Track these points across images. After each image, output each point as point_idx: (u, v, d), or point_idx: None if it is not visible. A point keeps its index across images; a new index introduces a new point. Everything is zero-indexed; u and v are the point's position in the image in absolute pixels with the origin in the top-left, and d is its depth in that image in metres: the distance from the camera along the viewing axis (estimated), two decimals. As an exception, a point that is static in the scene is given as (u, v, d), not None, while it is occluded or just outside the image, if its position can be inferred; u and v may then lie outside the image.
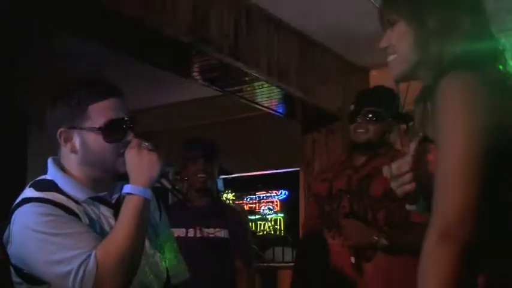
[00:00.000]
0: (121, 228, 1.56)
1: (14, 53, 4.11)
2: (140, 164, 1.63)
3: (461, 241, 1.21)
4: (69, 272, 1.49)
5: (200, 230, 3.15)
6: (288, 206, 6.67)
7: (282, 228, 6.74)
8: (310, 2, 3.85)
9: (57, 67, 4.20)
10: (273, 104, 4.54)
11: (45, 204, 1.56)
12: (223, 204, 3.66)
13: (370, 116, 2.66)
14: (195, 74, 3.85)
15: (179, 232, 3.07)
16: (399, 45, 1.48)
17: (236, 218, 3.38)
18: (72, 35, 3.35)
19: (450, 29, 1.41)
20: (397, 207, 2.50)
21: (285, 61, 4.19)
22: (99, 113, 1.65)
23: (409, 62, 1.47)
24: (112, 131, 1.65)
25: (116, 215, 1.66)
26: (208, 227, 3.16)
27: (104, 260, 1.50)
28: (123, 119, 1.67)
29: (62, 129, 1.66)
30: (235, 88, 4.17)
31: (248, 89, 4.17)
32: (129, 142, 1.67)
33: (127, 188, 1.62)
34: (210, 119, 6.17)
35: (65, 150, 1.69)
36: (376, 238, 2.48)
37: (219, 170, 3.42)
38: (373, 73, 5.14)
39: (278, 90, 4.20)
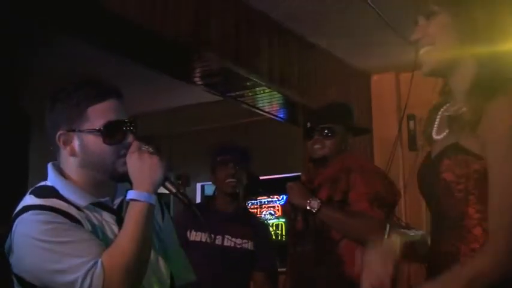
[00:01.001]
0: (126, 235, 1.53)
1: (14, 53, 4.10)
2: (142, 169, 1.59)
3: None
4: (75, 281, 1.45)
5: (227, 238, 3.09)
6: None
7: (284, 234, 6.70)
8: (311, 6, 3.83)
9: (58, 67, 4.18)
10: (274, 109, 4.53)
11: (47, 212, 1.53)
12: (249, 211, 3.58)
13: (326, 132, 2.80)
14: (196, 79, 3.83)
15: (205, 237, 3.02)
16: (439, 37, 1.42)
17: (263, 231, 3.33)
18: (72, 35, 3.33)
19: (502, 29, 1.33)
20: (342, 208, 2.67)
21: (286, 66, 4.18)
22: (98, 114, 1.61)
23: (447, 56, 1.40)
24: (111, 132, 1.62)
25: (118, 220, 1.63)
26: (236, 236, 3.10)
27: (111, 268, 1.47)
28: (122, 120, 1.64)
29: (61, 132, 1.63)
30: (237, 93, 4.16)
31: (249, 94, 4.16)
32: (129, 144, 1.63)
33: (131, 194, 1.58)
34: (211, 124, 6.14)
35: (64, 153, 1.65)
36: (309, 201, 2.62)
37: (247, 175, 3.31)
38: (375, 78, 5.13)
39: (279, 95, 4.19)
